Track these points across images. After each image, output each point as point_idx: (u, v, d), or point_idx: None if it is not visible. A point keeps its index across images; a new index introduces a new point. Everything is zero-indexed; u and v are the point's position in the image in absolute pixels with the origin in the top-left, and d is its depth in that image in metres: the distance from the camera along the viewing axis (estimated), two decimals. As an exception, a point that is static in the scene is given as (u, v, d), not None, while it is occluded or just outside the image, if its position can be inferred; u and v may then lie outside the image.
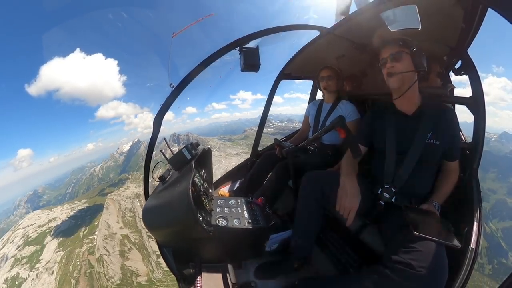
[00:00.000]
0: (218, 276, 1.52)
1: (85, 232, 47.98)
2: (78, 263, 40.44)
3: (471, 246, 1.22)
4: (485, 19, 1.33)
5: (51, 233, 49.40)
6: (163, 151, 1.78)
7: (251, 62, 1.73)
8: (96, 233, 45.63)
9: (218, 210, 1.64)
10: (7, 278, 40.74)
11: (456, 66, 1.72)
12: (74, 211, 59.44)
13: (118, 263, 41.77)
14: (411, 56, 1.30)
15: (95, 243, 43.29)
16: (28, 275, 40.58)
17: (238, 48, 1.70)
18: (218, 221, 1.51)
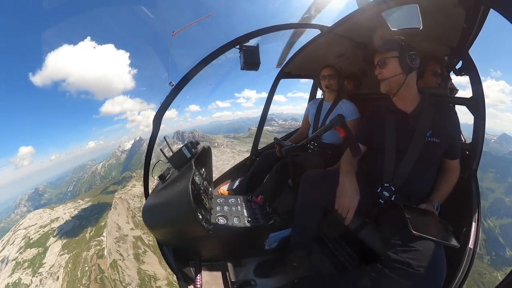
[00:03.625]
0: (218, 274, 1.52)
1: (91, 234, 44.88)
2: (87, 268, 36.52)
3: (469, 246, 1.22)
4: (485, 22, 1.32)
5: (54, 234, 46.52)
6: (163, 149, 1.78)
7: (251, 61, 1.72)
8: (104, 234, 42.68)
9: (218, 208, 1.65)
10: (8, 283, 37.27)
11: (457, 67, 1.71)
12: (78, 210, 56.74)
13: (134, 268, 38.14)
14: (399, 59, 1.30)
15: (103, 246, 40.28)
16: (31, 280, 36.99)
17: (238, 47, 1.69)
18: (218, 220, 1.52)
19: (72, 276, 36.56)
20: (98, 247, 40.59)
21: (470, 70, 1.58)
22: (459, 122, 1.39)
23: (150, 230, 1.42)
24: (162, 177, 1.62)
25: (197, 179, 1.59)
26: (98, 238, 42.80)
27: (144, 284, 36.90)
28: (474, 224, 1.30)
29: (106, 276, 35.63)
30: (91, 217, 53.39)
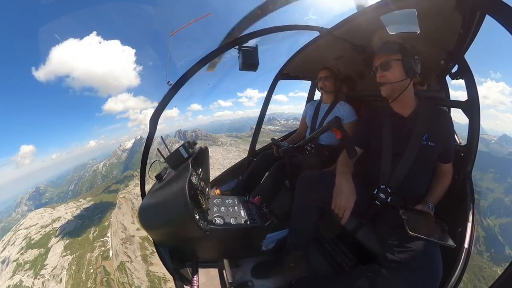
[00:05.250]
0: (215, 275, 1.52)
1: (95, 234, 42.76)
2: (92, 270, 35.30)
3: (464, 245, 1.24)
4: (482, 26, 1.34)
5: (56, 235, 44.45)
6: (160, 149, 1.78)
7: (249, 62, 1.73)
8: (109, 234, 40.74)
9: (214, 209, 1.64)
10: (9, 286, 35.93)
11: (453, 71, 1.73)
12: (80, 210, 54.59)
13: (143, 270, 36.70)
14: (402, 63, 1.29)
15: (108, 247, 38.48)
16: (33, 283, 35.58)
17: (237, 47, 1.70)
18: (215, 220, 1.52)
19: (76, 278, 34.99)
20: (103, 248, 38.97)
21: (465, 74, 1.60)
22: (453, 126, 1.41)
23: (146, 230, 1.42)
24: (159, 177, 1.62)
25: (194, 179, 1.59)
26: (103, 239, 41.10)
27: (154, 286, 35.43)
28: (469, 224, 1.32)
29: (112, 278, 34.20)
30: (94, 216, 51.38)
